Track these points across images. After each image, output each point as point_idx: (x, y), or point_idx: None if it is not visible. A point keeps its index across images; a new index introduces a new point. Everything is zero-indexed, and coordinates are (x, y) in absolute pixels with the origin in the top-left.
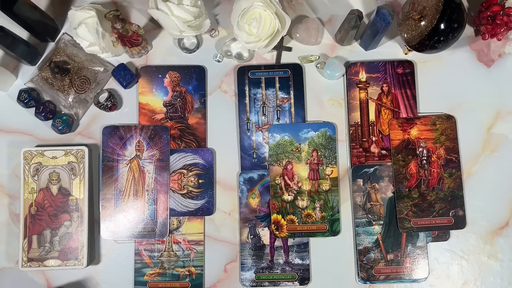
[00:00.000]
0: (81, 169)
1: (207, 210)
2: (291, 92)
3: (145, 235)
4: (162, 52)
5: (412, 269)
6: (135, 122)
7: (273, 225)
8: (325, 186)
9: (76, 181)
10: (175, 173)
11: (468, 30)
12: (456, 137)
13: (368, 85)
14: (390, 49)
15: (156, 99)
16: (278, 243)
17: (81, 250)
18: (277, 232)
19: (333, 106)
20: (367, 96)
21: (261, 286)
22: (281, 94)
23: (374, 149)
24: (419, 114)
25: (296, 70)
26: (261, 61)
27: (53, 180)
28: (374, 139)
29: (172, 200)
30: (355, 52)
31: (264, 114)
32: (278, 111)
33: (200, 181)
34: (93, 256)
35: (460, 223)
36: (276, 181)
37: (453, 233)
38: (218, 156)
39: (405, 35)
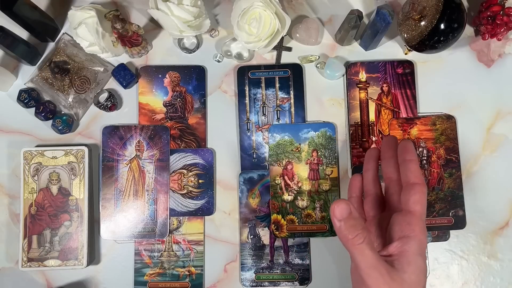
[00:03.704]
0: (81, 169)
1: (207, 210)
2: (291, 92)
3: (145, 235)
4: (162, 52)
5: None
6: (135, 122)
7: (273, 225)
8: (325, 186)
9: (76, 181)
10: (175, 173)
11: (468, 30)
12: (456, 137)
13: (368, 85)
14: (390, 49)
15: (156, 99)
16: (278, 243)
17: (81, 250)
18: (277, 232)
19: (333, 106)
20: (367, 96)
21: (261, 286)
22: (281, 94)
23: None
24: (419, 114)
25: (296, 70)
26: (261, 61)
27: (53, 180)
28: (374, 139)
29: (172, 200)
30: (355, 52)
31: (264, 114)
32: (278, 111)
33: (200, 181)
34: (93, 256)
35: (460, 223)
36: (276, 181)
37: (453, 233)
38: (218, 156)
39: (405, 35)
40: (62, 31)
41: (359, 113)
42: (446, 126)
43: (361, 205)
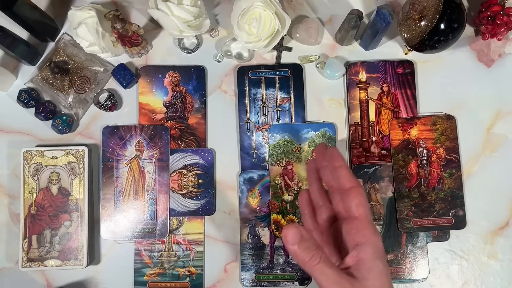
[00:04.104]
0: (81, 169)
1: (207, 210)
2: (291, 92)
3: (145, 235)
4: (162, 52)
5: (412, 269)
6: (135, 122)
7: (273, 225)
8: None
9: (76, 181)
10: (175, 173)
11: (468, 30)
12: (456, 137)
13: (368, 85)
14: (390, 49)
15: (156, 99)
16: (278, 243)
17: (81, 250)
18: (277, 232)
19: (333, 106)
20: (367, 96)
21: (261, 286)
22: (281, 94)
23: (374, 149)
24: (419, 114)
25: (296, 70)
26: (261, 61)
27: (53, 180)
28: (374, 139)
29: (172, 200)
30: (355, 52)
31: (264, 114)
32: (278, 111)
33: (200, 181)
34: (93, 256)
35: (460, 223)
36: (276, 181)
37: (453, 233)
38: (218, 156)
39: (405, 35)
40: (62, 31)
41: (359, 113)
42: (446, 126)
43: (315, 220)
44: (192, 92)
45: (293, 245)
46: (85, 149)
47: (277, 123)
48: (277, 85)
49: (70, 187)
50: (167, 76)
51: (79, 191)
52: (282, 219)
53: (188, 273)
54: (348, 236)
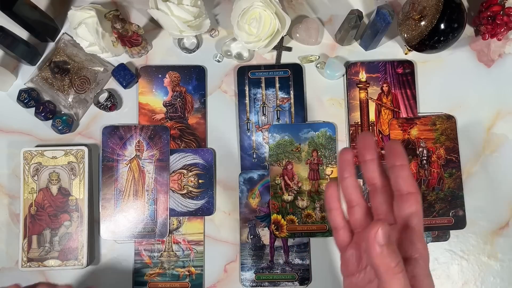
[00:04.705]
0: (81, 169)
1: (207, 210)
2: (291, 92)
3: (145, 235)
4: (162, 52)
5: None
6: (135, 122)
7: (273, 225)
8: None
9: (76, 181)
10: (175, 173)
11: (468, 30)
12: (456, 137)
13: (368, 85)
14: (390, 49)
15: (156, 99)
16: (278, 243)
17: (81, 250)
18: (277, 232)
19: (333, 106)
20: (367, 96)
21: (261, 286)
22: (281, 94)
23: None
24: (419, 114)
25: (296, 70)
26: (261, 61)
27: (53, 180)
28: (374, 139)
29: (172, 200)
30: (355, 52)
31: (264, 114)
32: (278, 111)
33: (200, 181)
34: (93, 256)
35: (460, 223)
36: (276, 181)
37: (453, 233)
38: (218, 156)
39: (405, 35)
40: (62, 31)
41: (359, 113)
42: (446, 126)
43: (343, 217)
44: (192, 92)
45: (382, 245)
46: (85, 149)
47: (277, 123)
48: (277, 85)
49: (70, 187)
50: (167, 76)
51: (79, 191)
52: (282, 219)
53: (188, 273)
54: (399, 246)
